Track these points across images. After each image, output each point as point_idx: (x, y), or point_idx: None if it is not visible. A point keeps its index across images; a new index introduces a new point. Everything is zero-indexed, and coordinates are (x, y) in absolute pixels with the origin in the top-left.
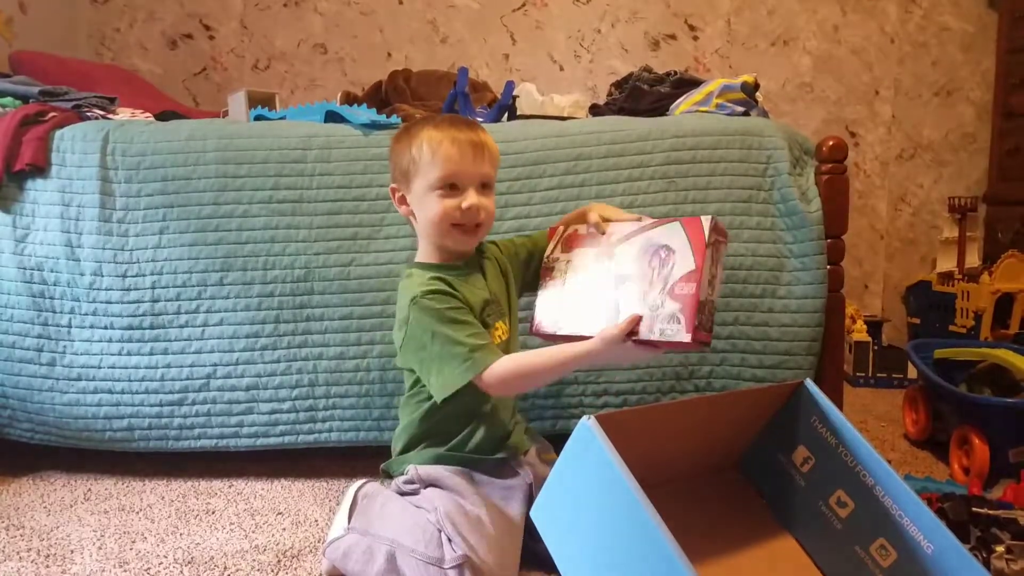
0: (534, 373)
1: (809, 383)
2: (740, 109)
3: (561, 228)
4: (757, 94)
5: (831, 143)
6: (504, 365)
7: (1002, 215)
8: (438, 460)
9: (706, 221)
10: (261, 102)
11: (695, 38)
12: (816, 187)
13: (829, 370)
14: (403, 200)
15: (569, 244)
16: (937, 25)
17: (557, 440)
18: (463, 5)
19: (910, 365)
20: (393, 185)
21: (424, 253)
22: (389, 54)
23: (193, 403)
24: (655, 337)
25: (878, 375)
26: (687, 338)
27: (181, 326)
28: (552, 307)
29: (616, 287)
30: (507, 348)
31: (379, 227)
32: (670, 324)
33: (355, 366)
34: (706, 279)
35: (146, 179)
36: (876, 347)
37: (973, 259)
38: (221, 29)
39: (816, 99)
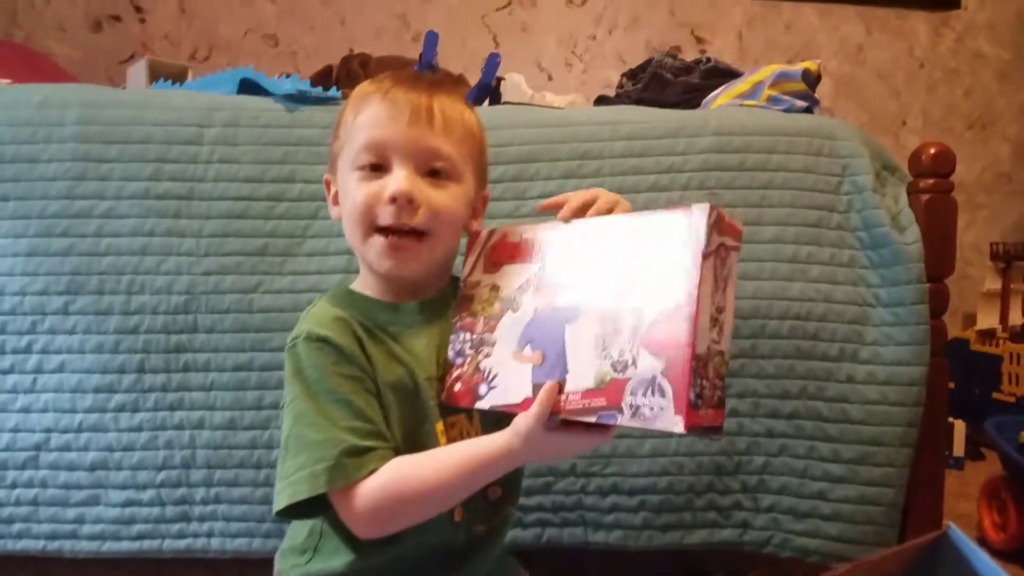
0: (413, 494)
1: (953, 531)
2: (801, 104)
3: (484, 234)
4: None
5: (932, 151)
6: (383, 479)
7: None
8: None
9: (700, 213)
10: (169, 75)
11: (702, 51)
12: (911, 211)
13: (927, 466)
14: (336, 198)
15: (494, 257)
16: (970, 51)
17: (544, 557)
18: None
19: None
20: (327, 175)
21: (360, 278)
22: (351, 50)
23: (14, 486)
24: (622, 421)
25: None
26: (678, 426)
27: (3, 372)
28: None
29: (564, 324)
30: None
31: (301, 239)
32: (647, 396)
33: (251, 441)
34: (706, 315)
35: None
36: None
37: (1017, 315)
38: (155, 12)
39: None
